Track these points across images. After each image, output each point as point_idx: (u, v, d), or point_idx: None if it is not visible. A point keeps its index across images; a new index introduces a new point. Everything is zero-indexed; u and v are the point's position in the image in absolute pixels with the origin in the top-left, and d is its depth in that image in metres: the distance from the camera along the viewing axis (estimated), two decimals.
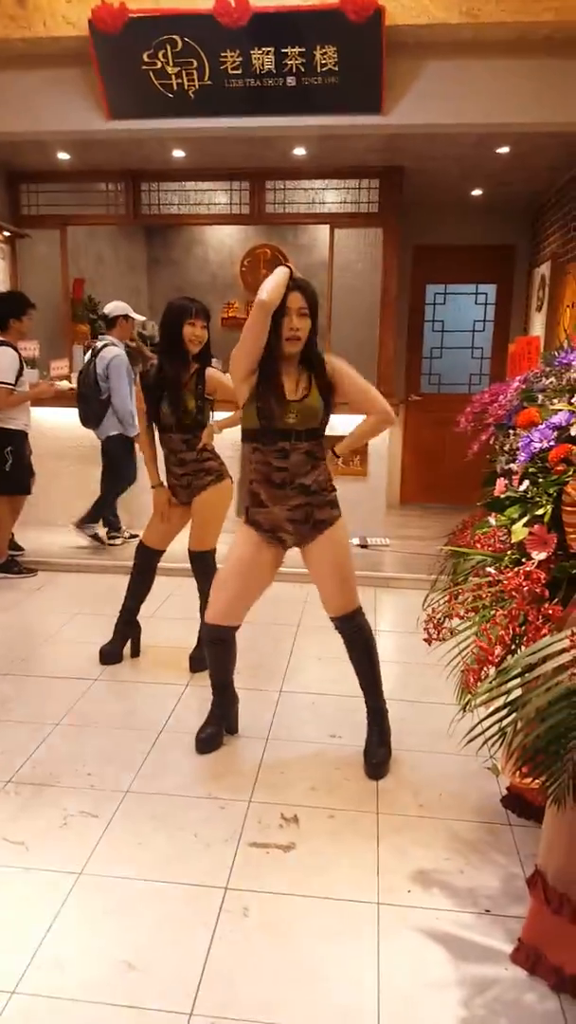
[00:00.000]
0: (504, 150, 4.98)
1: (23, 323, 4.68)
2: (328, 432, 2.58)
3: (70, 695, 3.16)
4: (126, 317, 5.07)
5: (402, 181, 5.60)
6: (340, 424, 2.76)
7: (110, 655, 3.48)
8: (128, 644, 3.56)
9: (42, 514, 5.57)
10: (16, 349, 4.65)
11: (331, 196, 5.80)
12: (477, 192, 6.17)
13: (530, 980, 1.78)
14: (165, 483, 3.32)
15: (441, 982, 1.78)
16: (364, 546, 5.33)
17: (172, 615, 4.08)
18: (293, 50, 4.32)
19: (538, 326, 6.11)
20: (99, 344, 5.01)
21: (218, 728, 2.80)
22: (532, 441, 1.65)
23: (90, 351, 5.04)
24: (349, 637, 2.67)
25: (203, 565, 3.33)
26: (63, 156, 5.51)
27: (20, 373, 4.62)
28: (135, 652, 3.57)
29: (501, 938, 1.91)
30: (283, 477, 2.50)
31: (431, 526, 5.69)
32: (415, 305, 6.98)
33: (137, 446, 4.27)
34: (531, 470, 1.65)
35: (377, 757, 2.64)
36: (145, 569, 3.45)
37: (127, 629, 3.54)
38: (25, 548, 5.12)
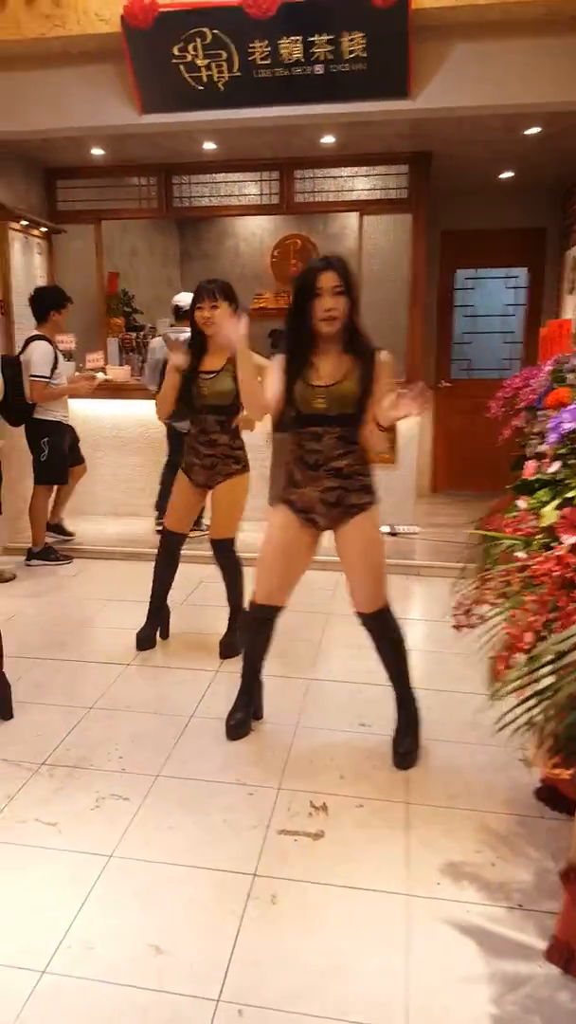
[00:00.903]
0: (534, 131, 4.86)
1: (61, 316, 4.75)
2: None
3: (103, 680, 3.20)
4: None
5: (430, 166, 5.51)
6: None
7: (144, 640, 3.52)
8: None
9: (76, 503, 5.65)
10: (52, 342, 4.72)
11: (360, 183, 5.74)
12: (507, 175, 6.05)
13: (564, 978, 1.74)
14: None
15: (472, 977, 1.75)
16: (394, 534, 5.29)
17: (202, 602, 4.09)
18: (321, 38, 4.28)
19: (570, 309, 5.98)
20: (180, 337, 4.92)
21: (247, 713, 2.80)
22: (562, 422, 1.61)
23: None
24: (378, 633, 2.62)
25: (225, 553, 3.36)
26: (97, 152, 5.55)
27: (55, 366, 4.68)
28: (164, 635, 3.62)
29: (534, 933, 1.87)
30: (316, 459, 2.50)
31: (462, 514, 5.60)
32: (444, 291, 6.89)
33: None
34: (561, 451, 1.61)
35: (404, 747, 2.62)
36: (168, 553, 3.49)
37: (158, 613, 3.56)
38: (75, 533, 5.22)
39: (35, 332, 4.78)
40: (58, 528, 5.24)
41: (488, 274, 6.87)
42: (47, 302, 4.75)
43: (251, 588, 2.73)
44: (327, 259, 2.36)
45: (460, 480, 6.94)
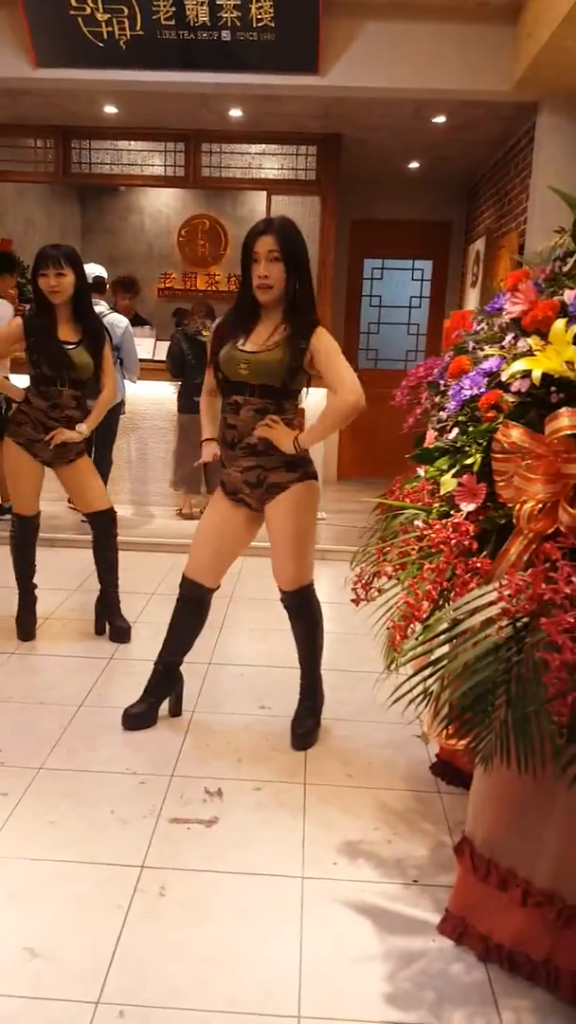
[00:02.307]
0: (440, 120, 4.90)
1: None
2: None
3: None
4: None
5: (340, 149, 5.48)
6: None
7: (24, 628, 3.32)
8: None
9: None
10: None
11: (269, 162, 5.65)
12: (414, 165, 6.11)
13: (457, 950, 1.72)
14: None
15: (365, 956, 1.70)
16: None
17: (96, 588, 3.91)
18: (228, 2, 4.16)
19: (472, 302, 6.11)
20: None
21: (153, 706, 2.63)
22: (462, 389, 1.57)
23: None
24: (295, 612, 2.54)
25: (101, 524, 3.27)
26: None
27: None
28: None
29: (429, 908, 1.85)
30: (233, 435, 2.38)
31: (368, 500, 5.64)
32: (353, 279, 6.91)
33: None
34: (461, 419, 1.57)
35: (304, 727, 2.56)
36: (27, 537, 3.29)
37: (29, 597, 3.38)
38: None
39: None
40: None
41: (395, 265, 6.93)
42: None
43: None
44: (268, 220, 2.25)
45: (366, 467, 6.99)
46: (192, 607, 2.56)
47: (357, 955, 1.70)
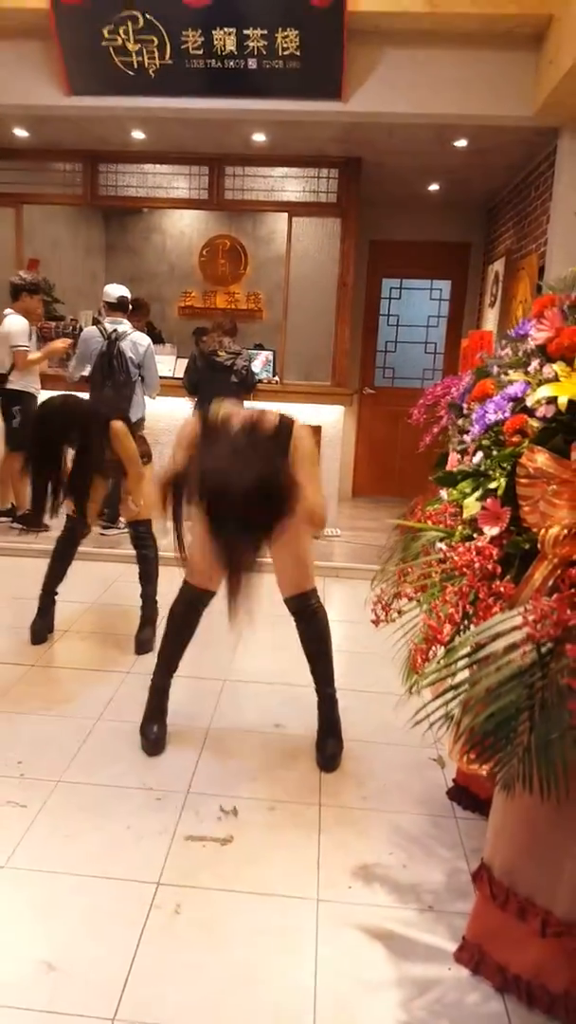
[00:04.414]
0: (462, 143, 4.95)
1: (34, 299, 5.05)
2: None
3: (5, 680, 3.01)
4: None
5: (360, 172, 5.55)
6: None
7: (38, 633, 3.41)
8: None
9: None
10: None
11: (290, 184, 5.71)
12: (434, 187, 6.16)
13: (474, 980, 1.71)
14: None
15: (380, 982, 1.69)
16: (315, 536, 5.25)
17: (114, 602, 3.94)
18: (255, 32, 4.24)
19: (491, 322, 6.13)
20: (118, 328, 4.71)
21: (163, 724, 2.65)
22: (487, 413, 1.58)
23: (106, 338, 4.67)
24: (302, 618, 2.57)
25: (139, 532, 3.37)
26: (20, 133, 5.32)
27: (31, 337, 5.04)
28: (50, 629, 3.49)
29: (444, 936, 1.83)
30: None
31: (383, 518, 5.65)
32: (371, 299, 6.96)
33: None
34: (484, 443, 1.58)
35: (330, 748, 2.56)
36: (68, 545, 3.41)
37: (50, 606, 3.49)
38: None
39: (8, 310, 5.00)
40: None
41: (413, 285, 6.98)
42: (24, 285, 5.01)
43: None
44: None
45: (381, 485, 7.01)
46: (193, 615, 2.59)
47: (372, 980, 1.69)
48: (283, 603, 2.56)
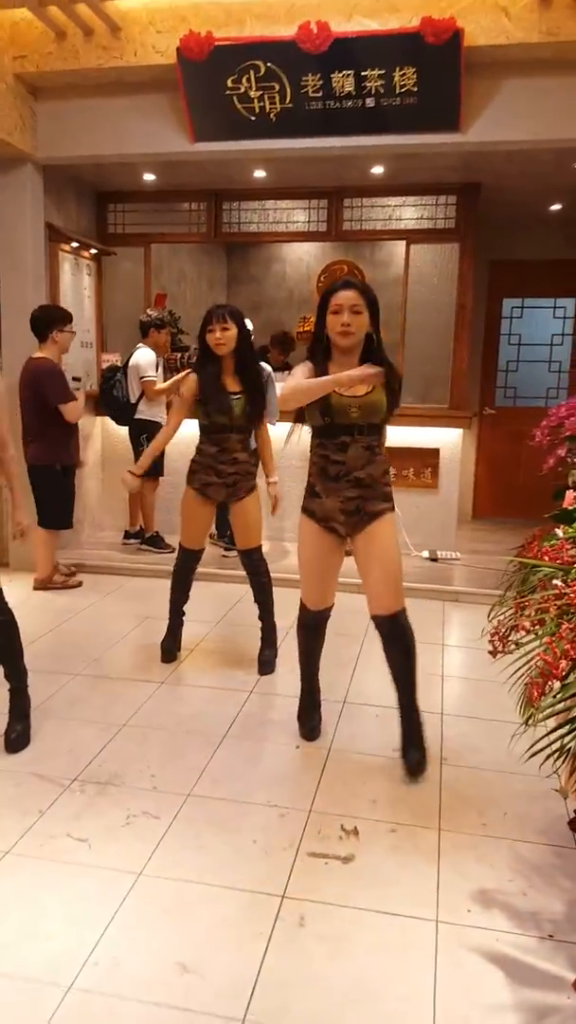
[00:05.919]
0: None
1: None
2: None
3: (137, 697, 3.24)
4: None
5: (479, 198, 5.55)
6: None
7: (168, 652, 3.63)
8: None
9: (120, 521, 5.82)
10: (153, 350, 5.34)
11: (408, 212, 5.79)
12: (556, 207, 6.06)
13: None
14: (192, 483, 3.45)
15: (499, 1006, 1.73)
16: (434, 559, 5.25)
17: (239, 621, 4.12)
18: (373, 72, 4.37)
19: None
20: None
21: (318, 714, 2.97)
22: None
23: None
24: (393, 636, 2.64)
25: (253, 560, 3.52)
26: (149, 177, 5.71)
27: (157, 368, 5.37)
28: (178, 647, 3.69)
29: (564, 965, 1.84)
30: (339, 470, 2.59)
31: (503, 540, 5.55)
32: (491, 319, 6.90)
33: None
34: None
35: (414, 758, 2.65)
36: (187, 569, 3.60)
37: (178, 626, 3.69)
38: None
39: (139, 344, 5.40)
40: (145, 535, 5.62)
41: (536, 304, 6.86)
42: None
43: (300, 595, 2.85)
44: (347, 279, 2.57)
45: (502, 507, 6.89)
46: (317, 632, 2.87)
47: (491, 1003, 1.73)
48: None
